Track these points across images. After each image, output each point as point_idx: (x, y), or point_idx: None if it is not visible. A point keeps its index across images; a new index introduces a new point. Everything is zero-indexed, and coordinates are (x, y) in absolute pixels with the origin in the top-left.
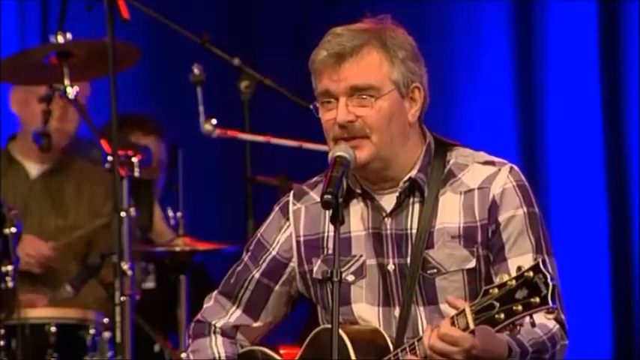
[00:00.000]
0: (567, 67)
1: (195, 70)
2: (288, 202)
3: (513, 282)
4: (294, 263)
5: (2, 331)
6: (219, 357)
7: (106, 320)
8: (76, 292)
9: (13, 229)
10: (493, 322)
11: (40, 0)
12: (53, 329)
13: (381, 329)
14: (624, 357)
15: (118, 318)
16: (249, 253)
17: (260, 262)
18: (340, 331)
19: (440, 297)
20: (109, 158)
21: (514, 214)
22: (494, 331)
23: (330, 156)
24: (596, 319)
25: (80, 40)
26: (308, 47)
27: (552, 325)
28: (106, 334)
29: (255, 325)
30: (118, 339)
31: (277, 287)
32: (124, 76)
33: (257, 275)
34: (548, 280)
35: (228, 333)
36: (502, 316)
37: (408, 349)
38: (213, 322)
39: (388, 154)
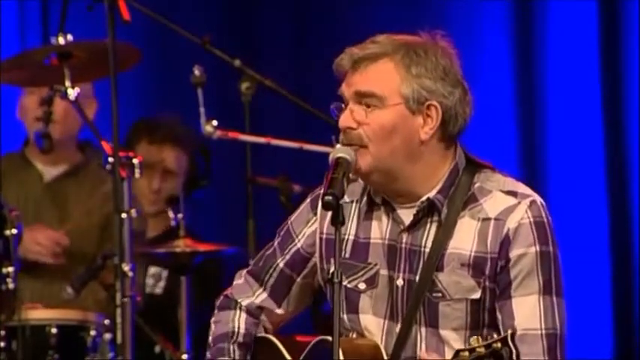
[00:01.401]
0: (567, 67)
1: (196, 72)
2: (318, 195)
3: (482, 350)
4: (316, 258)
5: (3, 333)
6: (239, 332)
7: (106, 321)
8: (76, 294)
9: (14, 231)
10: None
11: (41, 1)
12: (54, 330)
13: (382, 344)
14: (624, 357)
15: (118, 319)
16: (279, 239)
17: (285, 252)
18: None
19: (441, 322)
20: (110, 159)
21: (525, 252)
22: None
23: (330, 157)
24: (597, 318)
25: (81, 41)
26: (308, 48)
27: None
28: (107, 336)
29: (278, 311)
30: (119, 340)
31: (299, 279)
32: (124, 78)
33: (281, 264)
34: (514, 355)
35: (253, 312)
36: None
37: None
38: (239, 300)
39: (389, 168)
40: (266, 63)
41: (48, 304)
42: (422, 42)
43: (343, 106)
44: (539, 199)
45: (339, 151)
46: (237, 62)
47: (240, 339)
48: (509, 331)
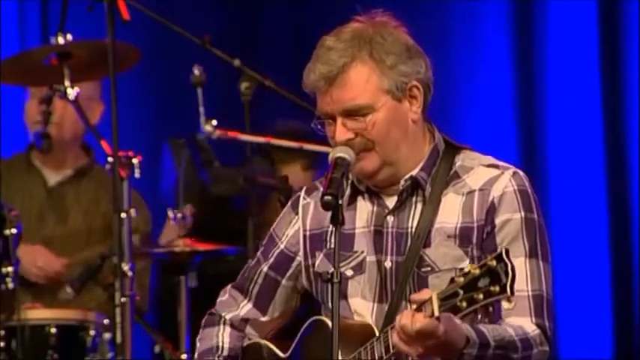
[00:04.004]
0: (567, 67)
1: (196, 71)
2: (299, 196)
3: (477, 270)
4: (300, 257)
5: (2, 332)
6: (222, 346)
7: (106, 321)
8: (76, 294)
9: (14, 230)
10: (455, 310)
11: (41, 1)
12: (53, 330)
13: (373, 324)
14: (624, 357)
15: (118, 319)
16: (262, 249)
17: (269, 256)
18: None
19: None
20: (109, 159)
21: (510, 217)
22: (457, 317)
23: (330, 157)
24: (597, 318)
25: (81, 41)
26: (308, 48)
27: (531, 329)
28: (107, 335)
29: (264, 319)
30: (119, 340)
31: (284, 281)
32: (124, 78)
33: (265, 269)
34: (509, 268)
35: (237, 325)
36: (464, 304)
37: (382, 338)
38: (223, 315)
39: (395, 159)
40: (266, 63)
41: (48, 304)
42: (373, 28)
43: (330, 121)
44: (521, 172)
45: (338, 151)
46: (237, 62)
47: (225, 353)
48: (504, 248)
